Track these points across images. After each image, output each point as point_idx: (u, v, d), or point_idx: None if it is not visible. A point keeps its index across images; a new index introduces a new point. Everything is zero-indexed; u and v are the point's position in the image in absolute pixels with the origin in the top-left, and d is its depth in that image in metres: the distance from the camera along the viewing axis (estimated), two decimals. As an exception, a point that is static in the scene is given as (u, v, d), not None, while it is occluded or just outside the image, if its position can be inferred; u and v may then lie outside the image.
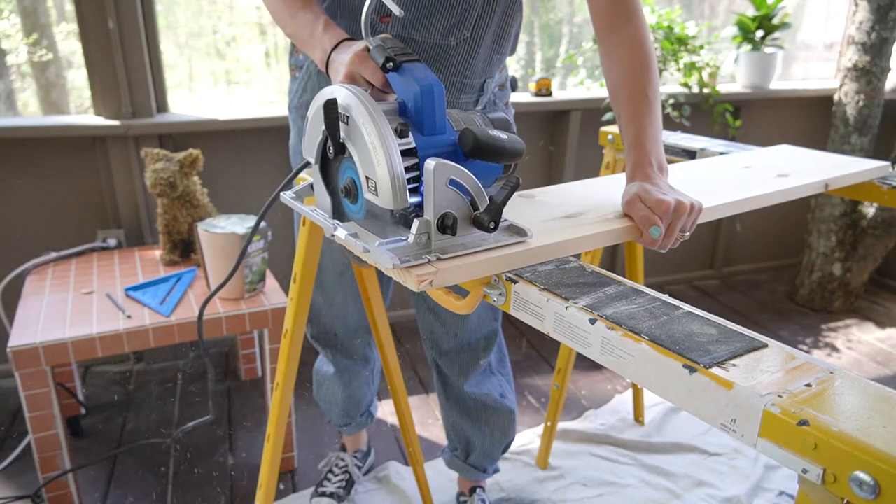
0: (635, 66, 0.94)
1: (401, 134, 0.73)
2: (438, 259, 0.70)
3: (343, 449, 1.73)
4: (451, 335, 1.39)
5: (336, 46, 0.89)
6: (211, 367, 1.18)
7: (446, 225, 0.71)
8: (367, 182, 0.74)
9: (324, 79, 1.20)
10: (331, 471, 1.67)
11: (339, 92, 0.76)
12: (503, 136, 0.76)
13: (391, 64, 0.79)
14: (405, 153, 0.73)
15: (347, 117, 0.74)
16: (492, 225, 0.72)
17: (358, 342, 1.50)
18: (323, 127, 0.79)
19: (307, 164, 0.88)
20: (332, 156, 0.78)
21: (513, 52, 1.23)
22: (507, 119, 0.85)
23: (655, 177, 0.87)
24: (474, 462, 1.56)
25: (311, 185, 0.89)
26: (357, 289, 1.35)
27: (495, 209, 0.72)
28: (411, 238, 0.71)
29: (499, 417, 1.50)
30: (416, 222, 0.71)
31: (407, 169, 0.72)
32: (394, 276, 0.71)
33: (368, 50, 0.82)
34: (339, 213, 0.85)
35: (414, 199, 0.73)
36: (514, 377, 1.58)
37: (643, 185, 0.84)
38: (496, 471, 1.61)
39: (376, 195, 0.73)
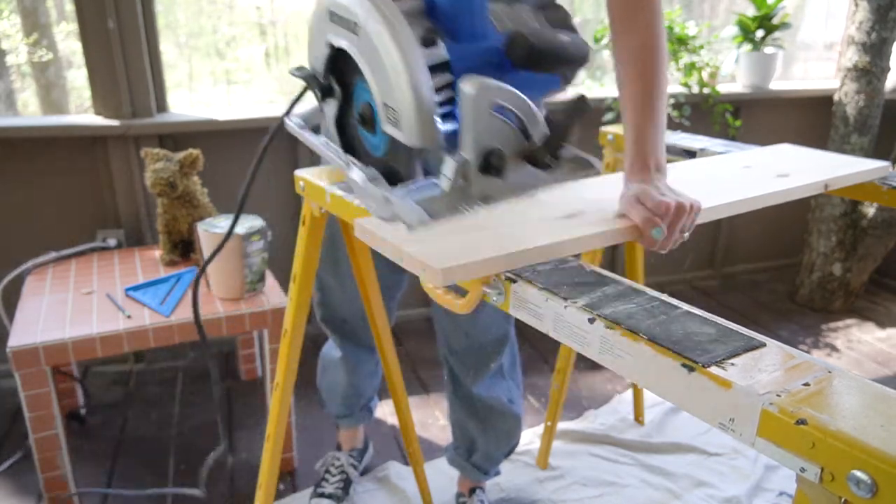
0: (645, 68, 0.94)
1: (428, 43, 0.56)
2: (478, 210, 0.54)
3: (339, 448, 1.73)
4: (461, 334, 1.39)
5: None
6: (213, 367, 1.18)
7: (491, 165, 0.56)
8: (386, 111, 0.58)
9: None
10: (328, 471, 1.67)
11: None
12: (564, 38, 0.59)
13: None
14: (435, 69, 0.56)
15: (355, 24, 0.57)
16: (550, 162, 0.56)
17: (366, 329, 1.49)
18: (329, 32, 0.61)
19: (310, 81, 0.69)
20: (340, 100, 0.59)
21: None
22: (565, 11, 0.67)
23: (653, 177, 0.87)
24: (476, 462, 1.56)
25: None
26: None
27: (554, 141, 0.56)
28: (445, 183, 0.56)
29: (505, 422, 1.50)
30: (449, 162, 0.55)
31: (438, 89, 0.56)
32: (388, 254, 0.61)
33: None
34: (353, 150, 0.66)
35: (448, 127, 0.57)
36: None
37: (641, 187, 0.84)
38: (497, 473, 1.61)
39: (398, 128, 0.57)
